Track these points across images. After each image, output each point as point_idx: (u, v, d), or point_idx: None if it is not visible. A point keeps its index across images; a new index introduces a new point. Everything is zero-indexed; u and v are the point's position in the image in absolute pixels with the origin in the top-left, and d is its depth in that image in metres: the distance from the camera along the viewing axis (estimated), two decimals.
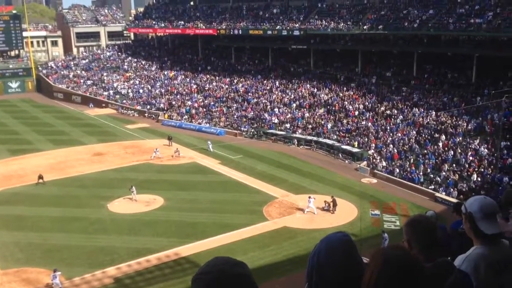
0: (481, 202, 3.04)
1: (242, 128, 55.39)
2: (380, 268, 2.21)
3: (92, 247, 28.64)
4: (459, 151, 39.37)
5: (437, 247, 3.00)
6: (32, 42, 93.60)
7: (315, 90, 58.91)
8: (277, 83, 63.74)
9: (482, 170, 36.18)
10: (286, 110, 56.66)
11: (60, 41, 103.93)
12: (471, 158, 37.98)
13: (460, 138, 41.06)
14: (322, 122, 51.59)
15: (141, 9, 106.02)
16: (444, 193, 35.11)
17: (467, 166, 37.32)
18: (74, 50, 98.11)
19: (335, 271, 2.41)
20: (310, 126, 51.87)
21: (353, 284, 2.42)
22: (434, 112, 46.09)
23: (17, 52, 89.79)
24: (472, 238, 3.07)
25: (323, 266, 2.43)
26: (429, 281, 2.26)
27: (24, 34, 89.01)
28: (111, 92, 74.15)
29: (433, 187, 36.36)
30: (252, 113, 58.19)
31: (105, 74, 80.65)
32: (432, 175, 37.74)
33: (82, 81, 79.56)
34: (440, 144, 41.14)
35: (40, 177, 38.91)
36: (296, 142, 49.65)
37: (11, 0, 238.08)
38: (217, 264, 2.13)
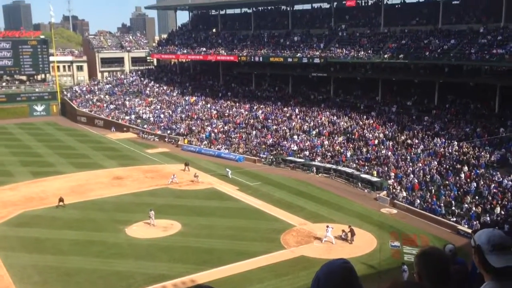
0: (489, 234, 2.92)
1: (261, 155, 55.42)
2: None
3: (109, 271, 28.61)
4: (482, 183, 38.59)
5: (450, 283, 2.90)
6: (58, 67, 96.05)
7: (335, 118, 58.82)
8: (296, 110, 63.90)
9: (506, 203, 35.33)
10: (305, 138, 56.59)
11: (85, 66, 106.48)
12: (494, 190, 37.16)
13: (483, 170, 40.30)
14: (341, 150, 51.32)
15: (165, 36, 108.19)
16: (466, 225, 34.30)
17: (490, 198, 36.49)
18: (99, 75, 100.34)
19: None
20: (329, 154, 51.63)
21: None
22: (456, 143, 45.47)
23: (43, 76, 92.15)
24: (483, 273, 2.94)
25: None
26: None
27: (51, 58, 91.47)
28: (132, 116, 75.27)
29: (455, 219, 35.58)
30: (271, 140, 58.26)
31: (127, 98, 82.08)
32: (454, 207, 36.97)
33: (105, 105, 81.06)
34: (462, 175, 40.42)
35: (61, 200, 39.34)
36: (315, 170, 49.38)
37: (40, 25, 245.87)
38: None
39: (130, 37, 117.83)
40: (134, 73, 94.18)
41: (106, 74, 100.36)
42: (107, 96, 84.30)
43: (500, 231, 2.98)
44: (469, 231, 33.16)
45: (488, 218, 34.11)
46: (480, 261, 2.91)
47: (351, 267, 2.46)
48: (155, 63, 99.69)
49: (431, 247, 3.29)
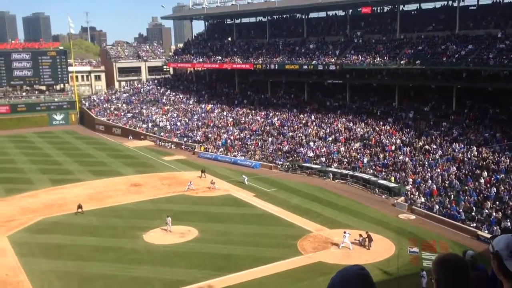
0: (508, 240, 2.91)
1: (277, 161, 55.40)
2: None
3: (127, 277, 28.80)
4: (502, 188, 38.00)
5: None
6: (76, 77, 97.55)
7: (351, 124, 58.59)
8: (312, 117, 63.82)
9: None
10: (322, 144, 56.45)
11: (103, 75, 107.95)
12: None
13: (503, 175, 39.70)
14: (358, 156, 51.04)
15: (181, 45, 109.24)
16: (487, 231, 33.77)
17: (510, 203, 35.89)
18: (116, 84, 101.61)
19: None
20: (345, 160, 51.39)
21: None
22: (475, 148, 44.92)
23: (62, 86, 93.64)
24: (502, 280, 2.91)
25: None
26: None
27: (70, 69, 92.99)
28: (149, 124, 75.97)
29: (475, 224, 35.07)
30: (287, 147, 58.23)
31: (144, 107, 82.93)
32: (473, 213, 36.45)
33: (122, 113, 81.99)
34: (482, 180, 39.87)
35: (80, 206, 39.81)
36: (332, 176, 49.18)
37: (58, 36, 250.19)
38: None
39: (147, 47, 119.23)
40: (150, 82, 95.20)
41: (123, 83, 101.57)
42: (124, 105, 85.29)
43: None
44: (489, 236, 32.66)
45: (509, 224, 33.52)
46: (498, 267, 2.89)
47: (367, 273, 2.42)
48: (171, 72, 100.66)
49: (450, 253, 3.25)
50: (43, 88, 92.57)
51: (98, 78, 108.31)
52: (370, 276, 2.42)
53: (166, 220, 35.78)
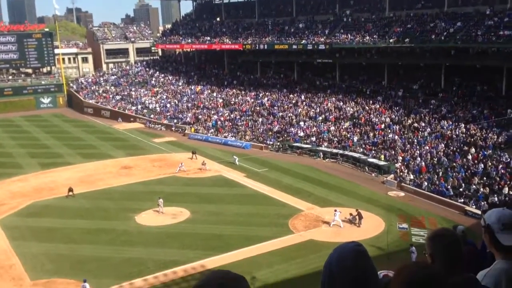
0: (499, 213, 2.97)
1: (268, 142, 55.51)
2: (406, 285, 2.14)
3: (120, 258, 28.93)
4: (490, 164, 38.51)
5: (462, 263, 2.91)
6: (63, 59, 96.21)
7: (341, 103, 58.71)
8: (302, 96, 63.82)
9: None
10: (312, 124, 56.57)
11: (90, 57, 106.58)
12: (502, 171, 37.09)
13: (490, 151, 40.20)
14: (348, 135, 51.29)
15: (169, 26, 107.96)
16: (474, 206, 34.32)
17: (498, 179, 36.42)
18: (104, 66, 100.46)
19: (346, 280, 2.35)
20: (335, 140, 51.63)
21: None
22: (463, 125, 45.32)
23: (49, 68, 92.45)
24: (493, 252, 2.98)
25: (334, 275, 2.38)
26: None
27: (56, 51, 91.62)
28: (139, 106, 75.49)
29: (462, 200, 35.60)
30: (278, 127, 58.30)
31: (133, 89, 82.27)
32: (461, 189, 36.96)
33: (111, 96, 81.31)
34: (470, 157, 40.35)
35: (70, 189, 39.70)
36: (322, 156, 49.44)
37: (44, 18, 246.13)
38: (216, 278, 2.09)
39: (134, 28, 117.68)
40: (139, 64, 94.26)
41: (111, 65, 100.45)
42: (112, 87, 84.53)
43: (510, 210, 3.01)
44: (477, 212, 33.23)
45: (496, 199, 34.08)
46: (490, 240, 2.95)
47: (364, 249, 2.44)
48: (159, 53, 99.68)
49: (443, 228, 3.29)
50: (30, 71, 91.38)
51: (85, 60, 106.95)
52: (367, 252, 2.44)
53: (157, 201, 35.86)
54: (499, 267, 2.86)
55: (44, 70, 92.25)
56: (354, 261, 2.37)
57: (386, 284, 2.52)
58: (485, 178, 37.22)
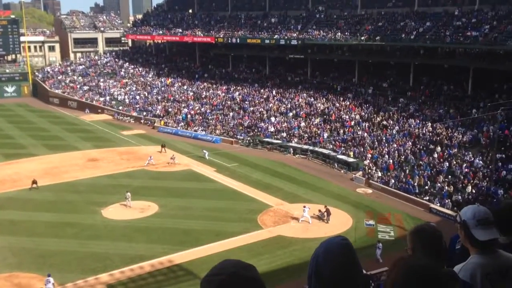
0: (474, 209, 3.05)
1: (238, 136, 55.37)
2: (404, 277, 2.17)
3: (85, 253, 28.39)
4: (454, 162, 39.43)
5: (442, 257, 2.99)
6: (29, 47, 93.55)
7: (312, 99, 59.03)
8: (274, 92, 63.86)
9: (477, 182, 36.23)
10: (283, 119, 56.71)
11: (57, 46, 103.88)
12: (466, 170, 38.04)
13: (456, 150, 41.16)
14: (318, 132, 51.65)
15: (140, 16, 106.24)
16: (438, 204, 35.12)
17: (462, 177, 37.35)
18: (71, 55, 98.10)
19: (332, 274, 2.40)
20: (306, 136, 51.92)
21: (351, 287, 2.41)
22: (429, 124, 46.24)
23: (14, 56, 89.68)
24: (468, 248, 3.06)
25: (321, 269, 2.43)
26: None
27: (22, 39, 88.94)
28: (107, 98, 74.09)
29: (428, 198, 36.36)
30: (249, 121, 58.20)
31: (101, 80, 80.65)
32: (427, 186, 37.74)
33: (78, 86, 79.50)
34: (436, 155, 41.22)
35: (34, 182, 38.68)
36: (292, 151, 49.64)
37: (9, 5, 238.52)
38: (228, 267, 2.10)
39: (104, 17, 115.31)
40: (108, 54, 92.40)
41: (79, 55, 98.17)
42: (80, 78, 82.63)
43: (484, 207, 3.09)
44: (442, 209, 34.04)
45: (460, 197, 34.95)
46: (466, 236, 3.03)
47: (349, 243, 2.49)
48: (130, 44, 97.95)
49: (425, 223, 3.40)
50: None
51: (52, 49, 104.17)
52: (352, 246, 2.49)
53: (125, 195, 35.31)
54: (475, 261, 2.95)
55: (9, 58, 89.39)
56: (340, 255, 2.43)
57: (367, 277, 2.62)
58: (449, 176, 38.10)
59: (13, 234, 30.64)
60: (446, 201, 34.93)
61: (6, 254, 28.18)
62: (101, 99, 74.02)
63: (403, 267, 2.21)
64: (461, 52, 52.48)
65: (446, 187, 36.51)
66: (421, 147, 43.21)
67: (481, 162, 38.40)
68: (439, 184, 37.30)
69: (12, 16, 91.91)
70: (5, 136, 57.15)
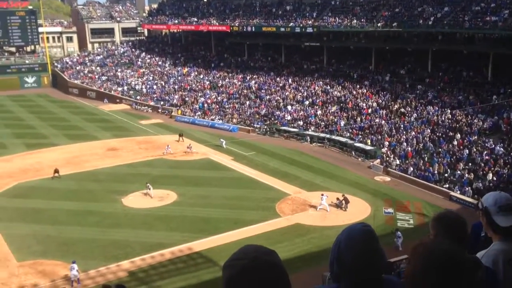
0: (496, 196, 3.08)
1: (255, 125, 55.49)
2: (425, 263, 2.14)
3: (107, 240, 28.92)
4: (475, 150, 39.05)
5: (466, 243, 3.01)
6: (47, 38, 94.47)
7: (328, 87, 58.78)
8: (290, 80, 63.71)
9: (498, 169, 35.84)
10: (299, 107, 56.62)
11: (75, 37, 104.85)
12: (486, 157, 37.65)
13: (476, 137, 40.73)
14: (335, 120, 51.49)
15: (155, 6, 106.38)
16: (459, 192, 34.87)
17: (482, 165, 36.99)
18: (89, 46, 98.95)
19: (354, 260, 2.41)
20: (322, 124, 51.82)
21: (373, 273, 2.44)
22: (449, 111, 45.76)
23: (33, 47, 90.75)
24: (490, 235, 3.08)
25: (343, 256, 2.44)
26: (466, 274, 2.18)
27: (40, 29, 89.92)
28: (125, 87, 74.73)
29: (447, 185, 36.13)
30: (265, 110, 58.25)
31: (119, 70, 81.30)
32: (446, 174, 37.48)
33: (96, 76, 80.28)
34: (455, 142, 40.85)
35: (56, 171, 39.37)
36: (309, 139, 49.62)
37: None
38: (250, 252, 2.13)
39: (120, 7, 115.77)
40: (125, 44, 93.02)
41: (96, 45, 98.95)
42: (98, 68, 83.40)
43: (506, 193, 3.12)
44: (462, 197, 33.81)
45: (481, 184, 34.66)
46: (487, 223, 3.06)
47: (372, 230, 2.50)
48: (146, 33, 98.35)
49: (447, 210, 3.39)
50: (13, 49, 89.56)
51: (70, 39, 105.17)
52: (374, 232, 2.51)
53: (147, 186, 35.66)
54: (497, 248, 2.97)
55: (28, 49, 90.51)
56: (362, 241, 2.44)
57: (389, 264, 2.58)
58: (470, 164, 37.78)
59: (37, 222, 31.31)
60: (467, 188, 34.67)
61: (31, 242, 28.84)
62: (119, 89, 74.68)
63: (423, 252, 2.16)
64: (480, 37, 51.66)
65: (467, 175, 36.21)
66: (440, 134, 42.83)
67: (502, 149, 37.96)
68: (459, 172, 37.01)
69: (30, 7, 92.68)
70: (26, 126, 58.13)
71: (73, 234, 29.63)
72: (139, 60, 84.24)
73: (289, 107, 57.09)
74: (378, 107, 51.18)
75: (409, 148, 42.25)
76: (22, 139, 51.79)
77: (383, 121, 48.22)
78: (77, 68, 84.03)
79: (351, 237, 2.46)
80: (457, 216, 3.14)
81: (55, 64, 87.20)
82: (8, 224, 31.02)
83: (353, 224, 2.58)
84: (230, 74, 71.18)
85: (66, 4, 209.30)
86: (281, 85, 63.29)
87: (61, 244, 28.47)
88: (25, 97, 77.31)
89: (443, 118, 45.13)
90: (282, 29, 66.30)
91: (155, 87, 73.40)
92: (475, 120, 42.90)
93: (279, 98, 59.97)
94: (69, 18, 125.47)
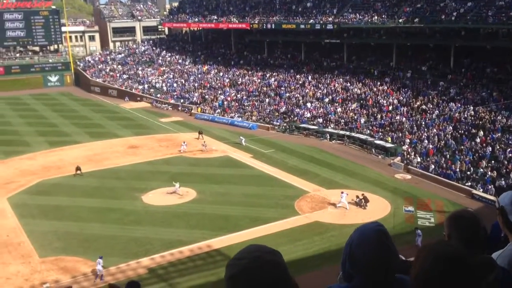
0: None
1: (274, 122, 55.40)
2: (430, 263, 2.08)
3: (127, 237, 29.25)
4: (498, 147, 38.28)
5: (480, 244, 2.92)
6: (70, 37, 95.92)
7: (348, 84, 58.29)
8: (309, 77, 63.39)
9: None
10: (319, 105, 56.31)
11: (97, 36, 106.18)
12: (510, 154, 36.87)
13: (499, 134, 39.91)
14: (355, 117, 51.05)
15: (176, 4, 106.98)
16: (481, 190, 34.24)
17: (506, 163, 36.25)
18: (111, 44, 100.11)
19: (367, 260, 2.38)
20: (342, 121, 51.43)
21: (385, 273, 2.40)
22: (471, 107, 44.94)
23: (56, 46, 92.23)
24: (507, 234, 2.99)
25: (355, 255, 2.42)
26: (473, 276, 2.12)
27: (63, 29, 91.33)
28: (146, 86, 75.41)
29: (470, 184, 35.51)
30: (285, 108, 58.09)
31: (140, 68, 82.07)
32: (469, 172, 36.83)
33: (118, 75, 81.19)
34: (478, 140, 40.11)
35: (78, 168, 39.99)
36: (329, 137, 49.33)
37: None
38: (252, 251, 2.12)
39: (141, 6, 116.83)
40: (146, 43, 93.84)
41: (118, 44, 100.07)
42: (119, 66, 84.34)
43: None
44: (484, 195, 33.17)
45: (504, 183, 33.96)
46: (504, 222, 2.96)
47: (385, 229, 2.45)
48: (166, 32, 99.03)
49: (462, 209, 3.27)
50: (37, 49, 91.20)
51: (92, 38, 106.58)
52: (388, 232, 2.46)
53: (174, 185, 35.80)
54: None
55: (51, 48, 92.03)
56: (374, 241, 2.40)
57: (404, 263, 2.56)
58: (493, 161, 37.07)
59: (59, 219, 31.84)
60: (489, 186, 34.03)
61: (52, 238, 29.35)
62: (140, 87, 75.40)
63: (428, 255, 2.10)
64: (504, 33, 50.51)
65: (489, 173, 35.55)
66: (463, 131, 42.10)
67: None
68: (481, 170, 36.34)
69: (53, 7, 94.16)
70: (50, 124, 59.14)
71: (94, 231, 30.05)
72: (160, 58, 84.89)
73: (308, 105, 56.83)
74: (399, 104, 50.55)
75: (431, 146, 41.65)
76: (45, 137, 52.71)
77: (404, 118, 47.61)
78: (99, 66, 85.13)
79: (364, 236, 2.43)
80: (472, 216, 3.04)
81: (78, 63, 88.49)
82: (31, 221, 31.64)
83: (366, 223, 2.55)
84: (249, 72, 71.18)
85: (88, 3, 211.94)
86: (300, 82, 63.03)
87: (83, 241, 28.91)
88: (49, 95, 78.70)
89: (465, 115, 44.34)
90: (302, 26, 65.98)
91: (175, 85, 73.89)
92: (498, 117, 42.03)
93: (298, 95, 59.74)
94: (91, 17, 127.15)
